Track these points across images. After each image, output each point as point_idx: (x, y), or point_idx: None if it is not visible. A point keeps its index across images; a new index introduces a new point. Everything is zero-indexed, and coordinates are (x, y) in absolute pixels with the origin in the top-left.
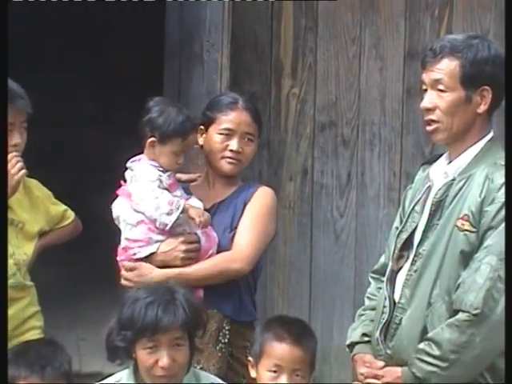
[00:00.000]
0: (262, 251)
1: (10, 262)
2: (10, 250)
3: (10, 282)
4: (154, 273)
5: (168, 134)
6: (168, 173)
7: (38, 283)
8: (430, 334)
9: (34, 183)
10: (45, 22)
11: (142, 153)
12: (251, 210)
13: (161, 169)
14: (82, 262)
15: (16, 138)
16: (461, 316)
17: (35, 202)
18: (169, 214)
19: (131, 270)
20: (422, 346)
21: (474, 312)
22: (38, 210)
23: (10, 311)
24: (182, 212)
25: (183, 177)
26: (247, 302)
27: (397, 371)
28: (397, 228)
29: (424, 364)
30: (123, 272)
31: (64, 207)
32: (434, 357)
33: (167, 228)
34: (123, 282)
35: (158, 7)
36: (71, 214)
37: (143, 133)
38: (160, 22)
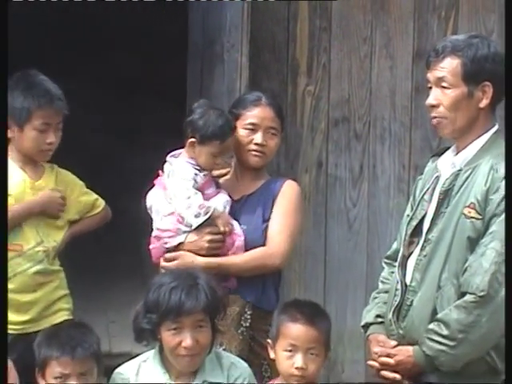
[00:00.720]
0: (295, 242)
1: (39, 249)
2: (38, 238)
3: (37, 268)
4: (197, 261)
5: (207, 136)
6: (204, 172)
7: (70, 268)
8: (439, 315)
9: (65, 174)
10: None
11: (183, 147)
12: (281, 206)
13: (197, 167)
14: (113, 250)
15: (51, 138)
16: (468, 298)
17: (66, 192)
18: (196, 216)
19: (173, 259)
20: (431, 326)
21: (480, 294)
22: (69, 200)
23: (38, 294)
24: (208, 218)
25: (214, 172)
26: (270, 292)
27: (408, 350)
28: (407, 216)
29: (434, 343)
30: (164, 263)
31: (95, 196)
32: (443, 336)
33: (191, 228)
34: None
35: (181, 10)
36: (101, 203)
37: (185, 132)
38: (183, 24)
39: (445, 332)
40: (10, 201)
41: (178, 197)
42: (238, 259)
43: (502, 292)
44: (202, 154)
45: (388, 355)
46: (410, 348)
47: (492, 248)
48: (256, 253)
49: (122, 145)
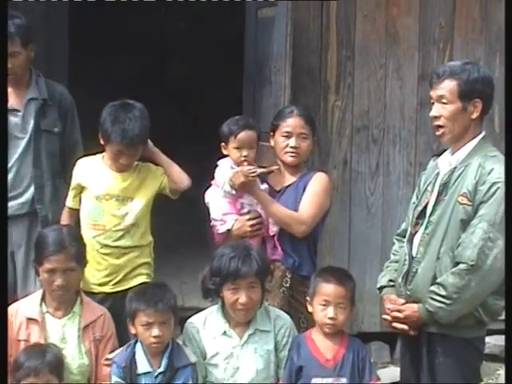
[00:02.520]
0: (318, 218)
1: (119, 228)
2: (116, 220)
3: (118, 243)
4: (258, 190)
5: (224, 136)
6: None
7: (155, 242)
8: (438, 280)
9: (146, 166)
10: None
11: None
12: (310, 189)
13: (234, 166)
14: (186, 228)
15: (124, 160)
16: (461, 266)
17: (147, 178)
18: (222, 224)
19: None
20: (432, 288)
21: (471, 263)
22: (146, 189)
23: (120, 262)
24: (232, 227)
25: (264, 170)
26: (306, 261)
27: (414, 307)
28: (414, 203)
29: (434, 301)
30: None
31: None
32: (442, 296)
33: (219, 232)
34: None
35: (238, 42)
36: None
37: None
38: (240, 53)
39: (443, 293)
40: (103, 189)
41: (211, 204)
42: (277, 206)
43: (488, 262)
44: (230, 152)
45: (398, 311)
46: (415, 305)
47: (480, 228)
48: (291, 213)
49: (185, 150)
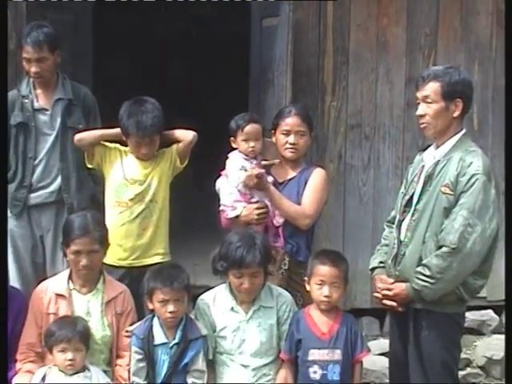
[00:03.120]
0: (320, 212)
1: (141, 205)
2: (138, 198)
3: (140, 219)
4: (268, 185)
5: (233, 130)
6: (253, 161)
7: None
8: (423, 261)
9: (165, 150)
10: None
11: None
12: (311, 184)
13: (244, 156)
14: (197, 214)
15: (144, 150)
16: (443, 249)
17: (160, 164)
18: (232, 210)
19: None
20: (418, 269)
21: (452, 246)
22: (162, 170)
23: (141, 240)
24: (240, 213)
25: (267, 163)
26: (303, 248)
27: (402, 285)
28: (402, 193)
29: (420, 281)
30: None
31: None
32: (426, 276)
33: (228, 217)
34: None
35: (245, 48)
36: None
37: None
38: (246, 58)
39: (427, 273)
40: (128, 175)
41: (222, 192)
42: (286, 202)
43: (468, 245)
44: (239, 144)
45: (388, 289)
46: (403, 284)
47: (461, 215)
48: (296, 207)
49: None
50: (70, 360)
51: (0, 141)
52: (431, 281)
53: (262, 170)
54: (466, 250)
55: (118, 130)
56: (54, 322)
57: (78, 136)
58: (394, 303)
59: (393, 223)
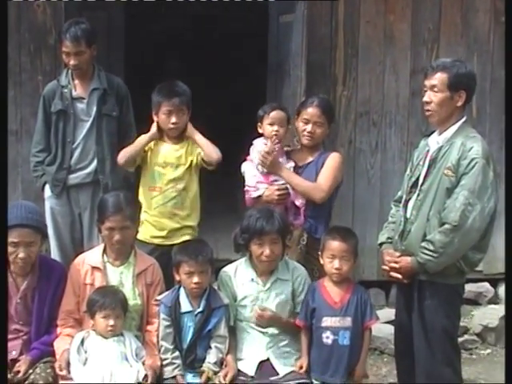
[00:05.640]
0: (333, 188)
1: (172, 190)
2: (170, 184)
3: (172, 202)
4: (283, 168)
5: (259, 116)
6: (276, 145)
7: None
8: (428, 237)
9: (191, 142)
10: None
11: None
12: (328, 164)
13: (266, 142)
14: (221, 195)
15: (173, 119)
16: (446, 226)
17: (190, 152)
18: (255, 190)
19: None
20: (423, 244)
21: (454, 224)
22: (192, 158)
23: (171, 221)
24: (263, 193)
25: (288, 148)
26: (321, 226)
27: (407, 259)
28: (408, 175)
29: (424, 255)
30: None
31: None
32: (430, 250)
33: (252, 197)
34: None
35: (263, 42)
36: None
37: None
38: (264, 50)
39: (431, 247)
40: (161, 158)
41: (247, 174)
42: (300, 180)
43: (468, 222)
44: (264, 129)
45: (395, 262)
46: (409, 258)
47: (462, 195)
48: (311, 183)
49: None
50: (111, 326)
51: (0, 141)
52: (434, 255)
53: (275, 146)
54: (466, 227)
55: (151, 132)
56: (97, 291)
57: (121, 160)
58: (399, 275)
59: (399, 202)
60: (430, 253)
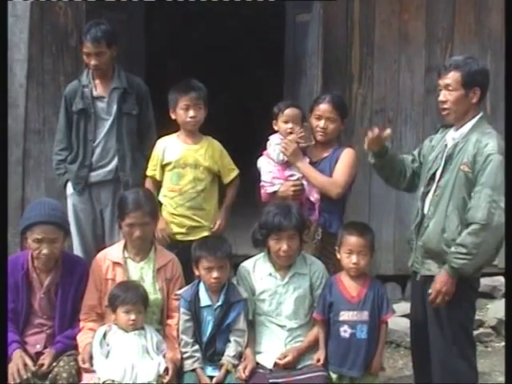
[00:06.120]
0: (349, 184)
1: (192, 190)
2: (193, 183)
3: (190, 203)
4: (301, 161)
5: (274, 113)
6: (301, 134)
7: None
8: (457, 241)
9: (216, 143)
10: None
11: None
12: (341, 161)
13: (282, 137)
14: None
15: (191, 113)
16: (474, 226)
17: (214, 155)
18: (271, 186)
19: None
20: (453, 249)
21: (482, 223)
22: (214, 160)
23: (191, 219)
24: (278, 189)
25: (304, 144)
26: (335, 221)
27: (443, 275)
28: (412, 155)
29: (458, 260)
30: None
31: (232, 165)
32: (464, 254)
33: (267, 192)
34: None
35: (279, 42)
36: (235, 171)
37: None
38: (281, 50)
39: (464, 251)
40: (180, 159)
41: (263, 170)
42: (318, 175)
43: (495, 219)
44: (279, 127)
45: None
46: (443, 274)
47: (485, 193)
48: (328, 179)
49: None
50: (132, 320)
51: (0, 136)
52: (469, 257)
53: (298, 136)
54: (494, 224)
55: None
56: (119, 286)
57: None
58: (447, 296)
59: (412, 155)
60: (464, 256)
